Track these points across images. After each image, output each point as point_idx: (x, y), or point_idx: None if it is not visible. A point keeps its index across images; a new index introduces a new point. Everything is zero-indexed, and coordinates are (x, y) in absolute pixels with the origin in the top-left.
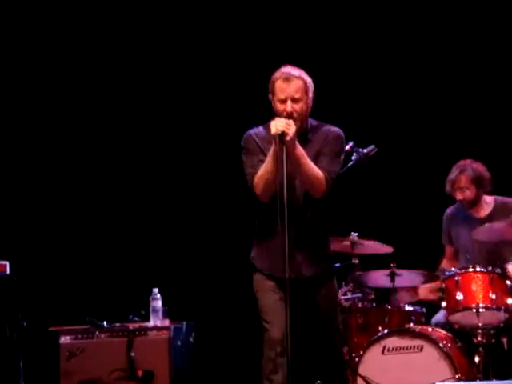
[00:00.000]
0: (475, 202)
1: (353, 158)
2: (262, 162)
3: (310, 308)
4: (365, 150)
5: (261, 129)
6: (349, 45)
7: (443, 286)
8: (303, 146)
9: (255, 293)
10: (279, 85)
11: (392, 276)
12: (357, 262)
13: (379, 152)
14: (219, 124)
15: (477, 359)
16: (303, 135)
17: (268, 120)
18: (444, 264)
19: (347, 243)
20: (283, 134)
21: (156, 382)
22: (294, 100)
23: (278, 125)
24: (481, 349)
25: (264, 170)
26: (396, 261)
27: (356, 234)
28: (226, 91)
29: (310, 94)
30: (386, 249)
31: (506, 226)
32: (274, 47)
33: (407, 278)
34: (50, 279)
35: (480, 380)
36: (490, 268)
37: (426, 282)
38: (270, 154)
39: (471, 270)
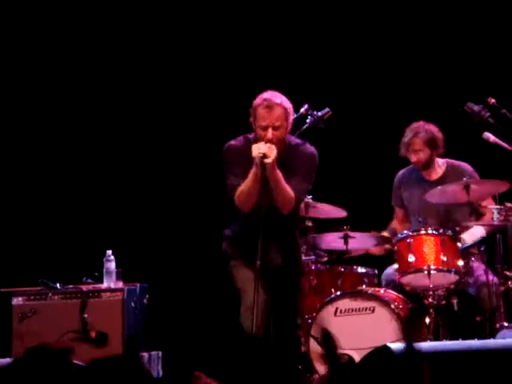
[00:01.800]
0: (429, 164)
1: (307, 120)
2: (241, 174)
3: (274, 293)
4: (319, 113)
5: (239, 140)
6: (302, 7)
7: (395, 248)
8: (279, 162)
9: (230, 270)
10: (261, 112)
11: (345, 238)
12: (310, 224)
13: (333, 115)
14: (194, 116)
15: (427, 320)
16: (280, 153)
17: (247, 131)
18: (393, 225)
19: (301, 206)
20: (264, 157)
21: (109, 343)
22: (275, 128)
23: (260, 148)
24: (431, 310)
25: (245, 188)
26: (349, 223)
27: (310, 196)
28: (220, 91)
29: (290, 119)
30: (340, 212)
31: (459, 188)
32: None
33: (360, 240)
34: (2, 240)
35: (430, 341)
36: (441, 230)
37: (378, 244)
38: (251, 174)
39: (423, 232)
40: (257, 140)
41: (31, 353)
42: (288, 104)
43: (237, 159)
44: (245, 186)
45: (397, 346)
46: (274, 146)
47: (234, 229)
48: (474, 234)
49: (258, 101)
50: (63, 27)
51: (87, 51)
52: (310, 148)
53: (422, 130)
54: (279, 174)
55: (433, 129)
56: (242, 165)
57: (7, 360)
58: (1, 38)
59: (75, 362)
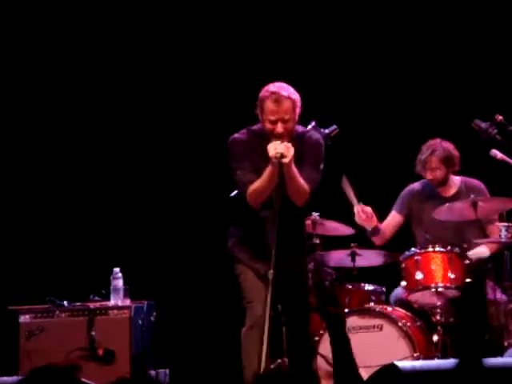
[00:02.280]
0: (444, 182)
1: None
2: (248, 169)
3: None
4: (326, 131)
5: (244, 133)
6: (314, 24)
7: (403, 265)
8: None
9: (236, 274)
10: (269, 106)
11: (353, 256)
12: (318, 241)
13: (340, 132)
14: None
15: (435, 338)
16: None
17: (251, 123)
18: (383, 227)
19: (308, 223)
20: (282, 156)
21: (117, 361)
22: (284, 121)
23: (277, 148)
24: (439, 327)
25: (260, 187)
26: (356, 241)
27: (317, 213)
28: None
29: (298, 110)
30: (347, 230)
31: (467, 206)
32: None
33: (368, 257)
34: (10, 257)
35: (438, 358)
36: (448, 247)
37: (386, 261)
38: (268, 174)
39: (430, 249)
40: (264, 134)
41: (37, 372)
42: (295, 95)
43: (243, 153)
44: (260, 185)
45: (407, 364)
46: (290, 145)
47: (241, 227)
48: (479, 252)
49: (265, 94)
50: (63, 27)
51: (86, 50)
52: (316, 135)
53: (440, 147)
54: (296, 170)
55: (449, 146)
56: (249, 158)
57: (14, 378)
58: (1, 38)
59: (83, 380)
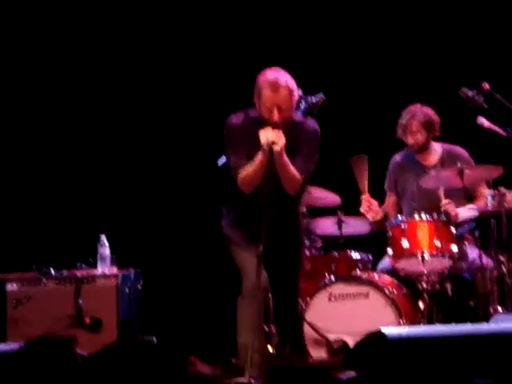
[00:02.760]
0: (425, 147)
1: (301, 106)
2: (243, 153)
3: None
4: (313, 99)
5: (241, 117)
6: None
7: (389, 233)
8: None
9: (230, 250)
10: (266, 94)
11: (339, 224)
12: (304, 210)
13: (327, 98)
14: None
15: (421, 305)
16: (285, 131)
17: (249, 105)
18: (385, 209)
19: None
20: (273, 144)
21: (104, 329)
22: (281, 109)
23: (269, 135)
24: (425, 295)
25: (250, 173)
26: (343, 208)
27: None
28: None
29: (295, 98)
30: (334, 198)
31: (453, 174)
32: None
33: (354, 225)
34: None
35: (424, 325)
36: (435, 216)
37: (372, 229)
38: (258, 161)
39: (417, 217)
40: (261, 120)
41: (35, 343)
42: (293, 83)
43: (238, 137)
44: (250, 171)
45: (393, 330)
46: (281, 133)
47: (235, 209)
48: (468, 210)
49: (262, 80)
50: (60, 25)
51: (82, 47)
52: (313, 124)
53: (419, 112)
54: (287, 159)
55: (430, 111)
56: (244, 143)
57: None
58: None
59: (79, 351)
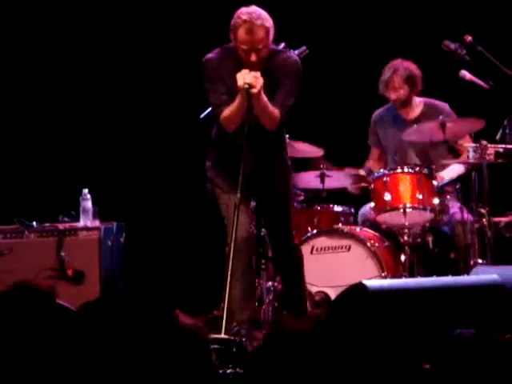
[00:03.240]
0: (407, 102)
1: None
2: (222, 90)
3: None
4: (296, 52)
5: (218, 53)
6: None
7: (371, 186)
8: (263, 74)
9: (216, 198)
10: (242, 35)
11: (322, 177)
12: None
13: (310, 52)
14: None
15: (403, 258)
16: (263, 63)
17: (224, 42)
18: (369, 164)
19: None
20: (250, 87)
21: (86, 281)
22: (257, 50)
23: (246, 78)
24: (407, 247)
25: (230, 114)
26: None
27: (287, 135)
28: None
29: (272, 35)
30: (316, 151)
31: (435, 127)
32: None
33: (337, 178)
34: None
35: (405, 277)
36: (417, 168)
37: (354, 182)
38: (237, 103)
39: (399, 170)
40: (238, 56)
41: (17, 288)
42: (269, 21)
43: (215, 74)
44: (230, 112)
45: (375, 282)
46: (259, 74)
47: (219, 149)
48: (452, 170)
49: (237, 21)
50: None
51: (82, 47)
52: (294, 57)
53: (401, 67)
54: (265, 99)
55: (411, 66)
56: (222, 79)
57: None
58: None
59: (58, 301)
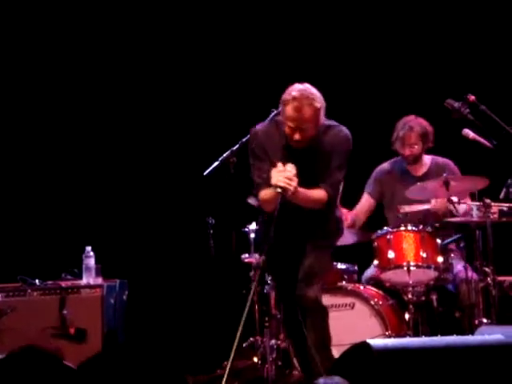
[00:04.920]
0: (418, 159)
1: None
2: (266, 168)
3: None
4: None
5: (267, 127)
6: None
7: (375, 244)
8: (311, 151)
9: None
10: (289, 112)
11: None
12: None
13: None
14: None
15: (407, 316)
16: (311, 141)
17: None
18: (357, 213)
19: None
20: (283, 190)
21: (88, 339)
22: (303, 130)
23: (280, 180)
24: (411, 306)
25: (267, 198)
26: None
27: None
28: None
29: (321, 116)
30: None
31: (439, 185)
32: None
33: None
34: None
35: (410, 336)
36: (420, 227)
37: (358, 240)
38: (272, 194)
39: (403, 228)
40: (284, 128)
41: (26, 350)
42: (319, 102)
43: (262, 150)
44: (266, 197)
45: (379, 341)
46: (293, 174)
47: (263, 222)
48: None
49: (287, 97)
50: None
51: (81, 47)
52: (344, 132)
53: (416, 123)
54: (302, 195)
55: (424, 122)
56: (268, 155)
57: None
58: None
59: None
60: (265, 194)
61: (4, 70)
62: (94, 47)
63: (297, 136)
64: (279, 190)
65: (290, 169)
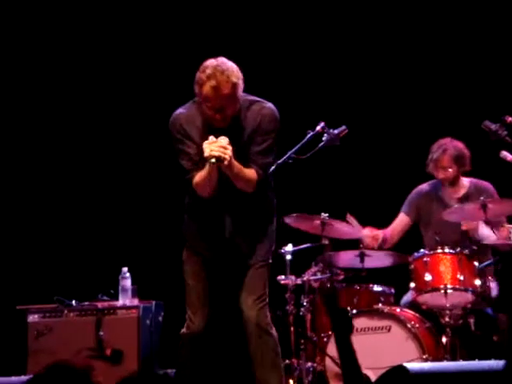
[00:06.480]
0: (454, 182)
1: (324, 138)
2: (194, 152)
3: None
4: (335, 131)
5: (185, 110)
6: (320, 25)
7: (412, 266)
8: (235, 129)
9: (183, 261)
10: (207, 92)
11: (362, 257)
12: (327, 242)
13: (350, 133)
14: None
15: (444, 340)
16: (233, 118)
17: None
18: (390, 231)
19: (317, 223)
20: (218, 160)
21: (125, 361)
22: (224, 108)
23: (213, 150)
24: (448, 329)
25: (200, 182)
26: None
27: (326, 214)
28: None
29: (240, 90)
30: (357, 231)
31: (476, 207)
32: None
33: (377, 258)
34: (19, 257)
35: (447, 360)
36: (458, 249)
37: (394, 262)
38: (206, 172)
39: (439, 251)
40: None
41: (52, 369)
42: (235, 77)
43: (184, 134)
44: (201, 180)
45: (415, 365)
46: (226, 142)
47: (195, 218)
48: (488, 235)
49: (202, 76)
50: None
51: (81, 48)
52: (270, 108)
53: (451, 146)
54: (237, 168)
55: (460, 145)
56: (192, 138)
57: (22, 378)
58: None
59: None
60: (199, 175)
61: (4, 70)
62: (94, 47)
63: (218, 116)
64: (213, 160)
65: (223, 139)
